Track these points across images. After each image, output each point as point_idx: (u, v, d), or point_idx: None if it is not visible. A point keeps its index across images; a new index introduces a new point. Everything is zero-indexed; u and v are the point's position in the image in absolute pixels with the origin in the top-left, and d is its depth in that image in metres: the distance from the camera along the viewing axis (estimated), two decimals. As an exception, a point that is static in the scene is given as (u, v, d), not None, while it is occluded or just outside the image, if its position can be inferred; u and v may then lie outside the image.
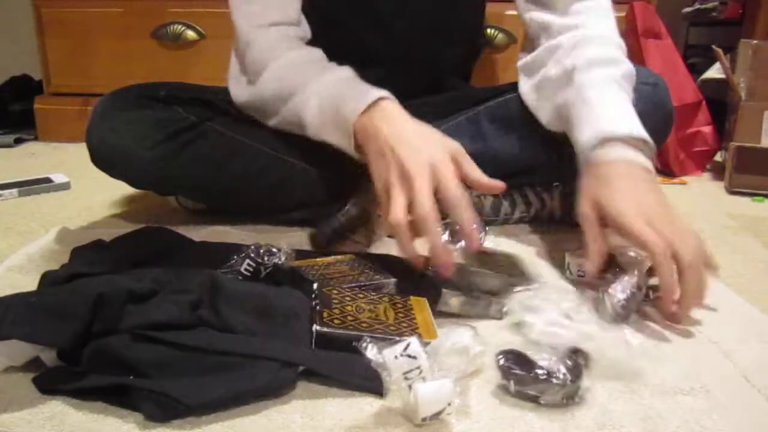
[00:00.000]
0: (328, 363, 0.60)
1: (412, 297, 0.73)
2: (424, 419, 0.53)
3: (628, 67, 0.88)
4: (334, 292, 0.70)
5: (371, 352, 0.55)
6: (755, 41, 1.48)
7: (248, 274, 0.77)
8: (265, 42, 0.94)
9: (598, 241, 0.74)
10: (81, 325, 0.58)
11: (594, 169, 0.78)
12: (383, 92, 0.81)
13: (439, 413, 0.53)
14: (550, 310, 0.69)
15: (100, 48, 1.81)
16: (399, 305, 0.70)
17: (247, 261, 0.77)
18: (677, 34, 1.96)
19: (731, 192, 1.42)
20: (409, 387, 0.53)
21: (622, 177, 0.75)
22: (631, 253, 0.77)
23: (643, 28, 1.59)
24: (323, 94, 0.86)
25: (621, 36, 0.92)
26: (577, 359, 0.58)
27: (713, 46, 1.55)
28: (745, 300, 0.81)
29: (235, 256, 0.78)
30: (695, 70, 1.73)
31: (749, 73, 1.47)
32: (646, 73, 1.03)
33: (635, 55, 1.61)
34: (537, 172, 1.05)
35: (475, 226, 0.70)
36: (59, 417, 0.54)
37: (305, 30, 0.99)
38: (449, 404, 0.53)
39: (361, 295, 0.70)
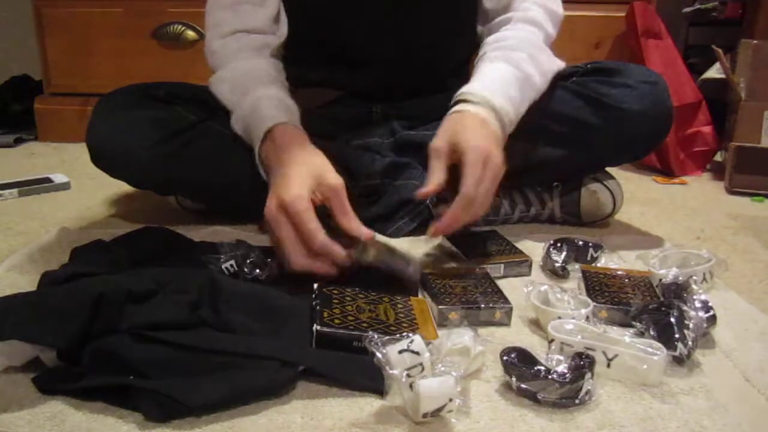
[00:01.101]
0: (328, 363, 0.60)
1: (412, 297, 0.73)
2: (425, 415, 0.53)
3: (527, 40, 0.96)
4: (335, 292, 0.70)
5: (375, 347, 0.55)
6: (755, 41, 1.48)
7: (227, 273, 0.77)
8: (224, 52, 0.98)
9: (440, 172, 0.82)
10: (81, 325, 0.58)
11: (450, 117, 0.88)
12: (274, 120, 0.86)
13: (440, 409, 0.53)
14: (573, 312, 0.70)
15: (100, 48, 1.81)
16: (399, 305, 0.70)
17: (231, 262, 0.78)
18: (677, 34, 1.95)
19: (731, 192, 1.42)
20: (411, 384, 0.54)
21: (470, 123, 0.85)
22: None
23: (643, 28, 1.59)
24: (244, 118, 0.92)
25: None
26: (581, 361, 0.58)
27: (713, 46, 1.55)
28: (745, 300, 0.81)
29: (226, 250, 0.79)
30: (695, 70, 1.73)
31: (749, 73, 1.47)
32: (646, 72, 1.03)
33: (635, 55, 1.61)
34: (537, 171, 1.05)
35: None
36: (59, 417, 0.54)
37: (278, 36, 1.01)
38: (450, 400, 0.53)
39: (362, 296, 0.70)
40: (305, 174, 0.77)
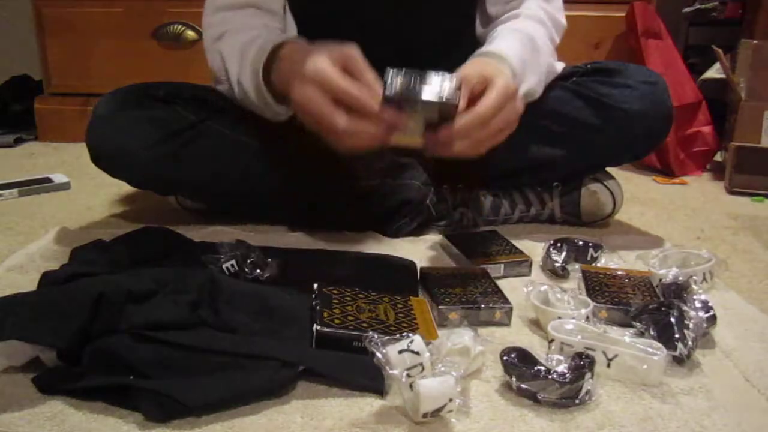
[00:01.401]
0: (328, 363, 0.60)
1: (412, 297, 0.73)
2: (425, 415, 0.53)
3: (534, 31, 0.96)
4: (335, 292, 0.70)
5: (375, 347, 0.55)
6: (755, 41, 1.48)
7: (227, 273, 0.77)
8: (225, 20, 0.95)
9: (464, 99, 0.77)
10: (81, 325, 0.58)
11: (476, 58, 0.87)
12: (283, 38, 0.85)
13: (440, 409, 0.53)
14: (572, 311, 0.70)
15: (100, 48, 1.81)
16: (399, 305, 0.70)
17: (231, 262, 0.78)
18: (677, 34, 1.96)
19: (731, 192, 1.42)
20: (411, 384, 0.53)
21: (499, 68, 0.83)
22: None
23: (643, 28, 1.59)
24: (253, 62, 0.88)
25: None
26: (581, 362, 0.58)
27: (713, 46, 1.55)
28: (745, 300, 0.81)
29: (226, 250, 0.79)
30: (695, 70, 1.73)
31: (749, 73, 1.47)
32: (646, 72, 1.03)
33: (635, 55, 1.61)
34: (537, 171, 1.05)
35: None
36: (59, 417, 0.54)
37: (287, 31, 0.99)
38: (450, 400, 0.53)
39: (362, 295, 0.70)
40: (319, 51, 0.75)
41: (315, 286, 0.71)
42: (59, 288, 0.65)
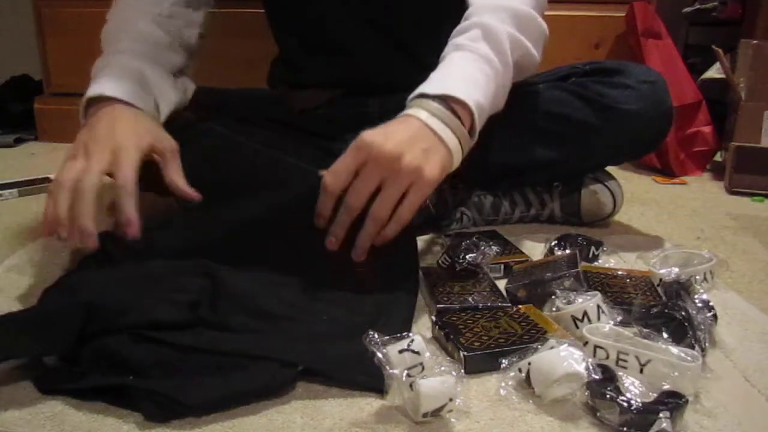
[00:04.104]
0: (328, 362, 0.60)
1: (521, 306, 0.72)
2: (425, 415, 0.53)
3: (489, 25, 0.82)
4: (453, 318, 0.69)
5: (375, 346, 0.55)
6: (755, 41, 1.48)
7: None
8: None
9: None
10: (72, 334, 0.58)
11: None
12: (107, 90, 0.89)
13: (440, 409, 0.53)
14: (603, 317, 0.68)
15: (100, 48, 1.81)
16: (515, 316, 0.69)
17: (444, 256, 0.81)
18: (677, 34, 1.95)
19: (731, 192, 1.42)
20: (411, 384, 0.53)
21: (390, 123, 0.74)
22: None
23: (643, 28, 1.59)
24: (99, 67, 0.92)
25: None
26: (664, 398, 0.54)
27: (713, 46, 1.55)
28: (745, 300, 0.81)
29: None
30: (695, 70, 1.73)
31: (749, 73, 1.47)
32: (646, 71, 1.03)
33: (635, 55, 1.61)
34: (537, 172, 1.05)
35: (131, 217, 0.71)
36: (59, 417, 0.54)
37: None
38: (450, 400, 0.53)
39: (478, 315, 0.69)
40: (142, 132, 0.78)
41: (434, 317, 0.70)
42: (58, 291, 0.65)
